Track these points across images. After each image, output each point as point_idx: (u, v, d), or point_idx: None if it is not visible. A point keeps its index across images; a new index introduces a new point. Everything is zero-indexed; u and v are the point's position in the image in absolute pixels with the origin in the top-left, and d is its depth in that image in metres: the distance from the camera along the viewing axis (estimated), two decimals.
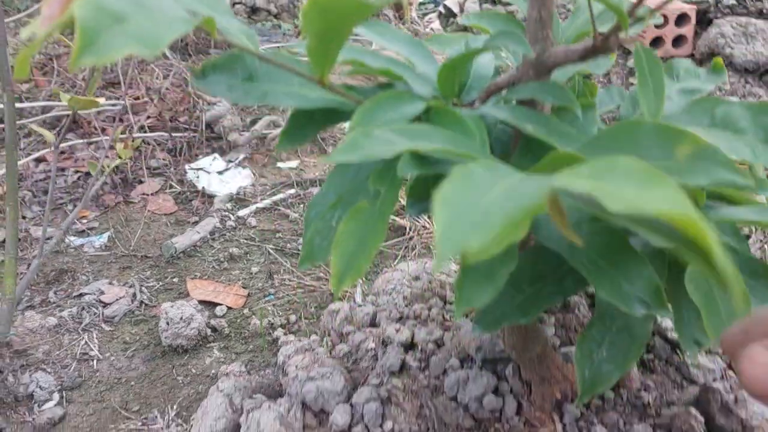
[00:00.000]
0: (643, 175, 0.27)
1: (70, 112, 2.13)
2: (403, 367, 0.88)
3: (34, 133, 2.20)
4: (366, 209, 0.51)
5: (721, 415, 0.73)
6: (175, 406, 1.20)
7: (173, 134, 2.06)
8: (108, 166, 1.80)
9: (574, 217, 0.51)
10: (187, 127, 2.11)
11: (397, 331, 0.93)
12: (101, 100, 1.32)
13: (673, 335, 0.87)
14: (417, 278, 1.15)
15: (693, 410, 0.74)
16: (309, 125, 0.54)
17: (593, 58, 0.48)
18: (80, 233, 1.74)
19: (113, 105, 2.08)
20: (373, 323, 1.02)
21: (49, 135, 1.38)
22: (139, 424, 1.17)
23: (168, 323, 1.31)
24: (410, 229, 1.69)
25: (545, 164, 0.37)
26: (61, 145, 2.09)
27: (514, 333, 0.74)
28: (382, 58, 0.55)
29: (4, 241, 1.69)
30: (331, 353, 0.97)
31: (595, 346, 0.53)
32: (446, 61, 0.51)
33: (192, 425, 1.02)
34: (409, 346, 0.92)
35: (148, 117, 2.14)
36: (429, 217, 1.74)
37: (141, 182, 1.96)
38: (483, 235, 0.26)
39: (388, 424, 0.81)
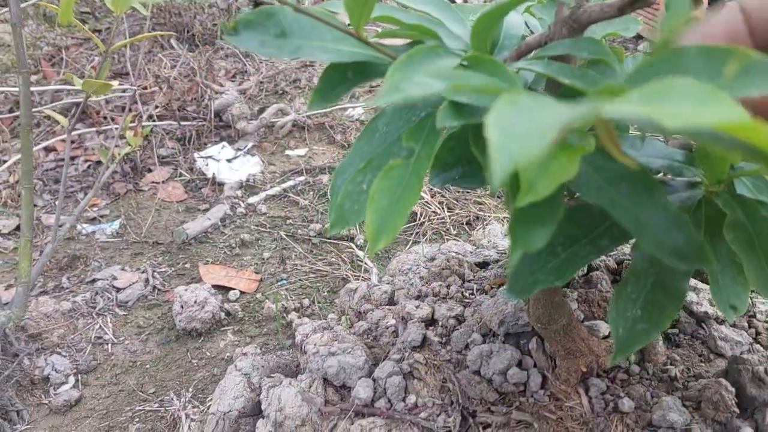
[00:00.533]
0: (697, 92, 0.27)
1: (80, 101, 2.12)
2: (425, 342, 0.87)
3: (44, 122, 2.20)
4: (399, 166, 0.51)
5: (753, 386, 0.72)
6: (190, 389, 1.19)
7: (182, 123, 2.05)
8: (119, 154, 1.79)
9: (610, 174, 0.50)
10: (196, 116, 2.11)
11: (417, 307, 0.92)
12: (114, 83, 1.32)
13: (698, 309, 0.86)
14: (432, 259, 1.14)
15: (723, 381, 0.73)
16: (341, 82, 0.53)
17: (632, 10, 0.47)
18: (91, 221, 1.74)
19: (123, 92, 2.08)
20: (391, 302, 1.01)
21: (62, 119, 1.37)
22: (156, 405, 1.16)
23: (182, 306, 1.31)
24: (421, 215, 1.68)
25: (591, 97, 0.36)
26: (72, 134, 2.08)
27: (539, 304, 0.73)
28: (415, 14, 0.54)
29: (18, 228, 1.69)
30: (350, 330, 0.96)
31: (630, 304, 0.52)
32: (481, 15, 0.50)
33: (210, 405, 1.02)
34: (430, 322, 0.91)
35: (157, 107, 2.14)
36: (439, 203, 1.73)
37: (150, 171, 1.95)
38: (539, 143, 0.25)
39: (411, 398, 0.80)
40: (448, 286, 0.98)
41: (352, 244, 1.60)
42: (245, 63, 2.47)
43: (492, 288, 0.94)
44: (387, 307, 0.99)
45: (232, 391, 0.99)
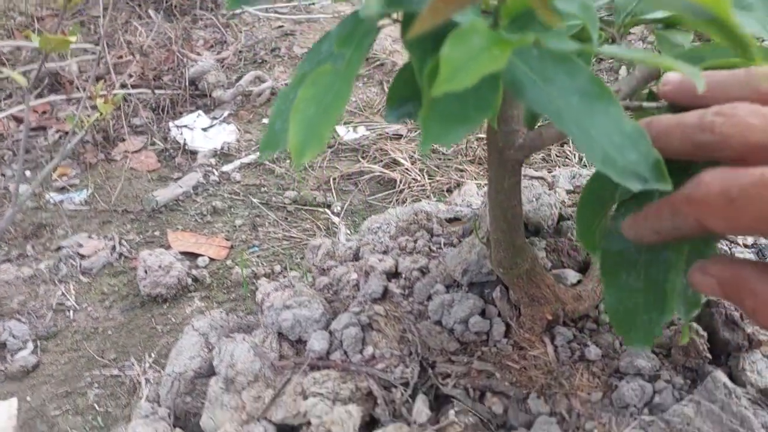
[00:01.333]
0: None
1: (53, 67, 2.06)
2: (386, 294, 0.83)
3: (16, 93, 2.14)
4: (328, 72, 0.46)
5: (726, 329, 0.68)
6: (153, 354, 1.15)
7: (156, 91, 2.00)
8: (88, 121, 1.73)
9: (561, 85, 0.46)
10: (171, 84, 2.05)
11: (380, 260, 0.88)
12: (73, 39, 1.26)
13: None
14: (398, 221, 1.10)
15: (694, 325, 0.68)
16: None
17: None
18: (60, 190, 1.68)
19: (92, 58, 2.02)
20: (356, 258, 0.97)
21: (21, 79, 1.31)
22: (116, 371, 1.12)
23: (146, 271, 1.26)
24: (400, 182, 1.64)
25: None
26: (43, 103, 2.03)
27: (500, 247, 0.69)
28: None
29: None
30: (311, 286, 0.91)
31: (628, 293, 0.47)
32: None
33: (167, 365, 0.97)
34: (393, 274, 0.87)
35: (131, 75, 2.08)
36: (420, 170, 1.68)
37: (123, 140, 1.90)
38: None
39: (369, 350, 0.76)
40: (415, 241, 0.93)
41: (328, 211, 1.56)
42: (224, 33, 2.41)
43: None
44: (351, 263, 0.94)
45: (188, 351, 0.94)
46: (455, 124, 0.37)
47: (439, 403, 0.73)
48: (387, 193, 1.63)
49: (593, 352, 0.71)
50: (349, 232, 1.42)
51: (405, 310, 0.80)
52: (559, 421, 0.66)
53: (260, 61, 2.26)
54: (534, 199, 0.89)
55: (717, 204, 0.36)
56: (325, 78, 0.46)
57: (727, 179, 0.36)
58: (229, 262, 1.41)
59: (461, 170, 1.69)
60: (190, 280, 1.31)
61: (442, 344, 0.75)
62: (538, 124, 0.67)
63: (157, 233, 1.51)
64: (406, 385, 0.73)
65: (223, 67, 2.18)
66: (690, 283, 0.42)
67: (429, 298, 0.81)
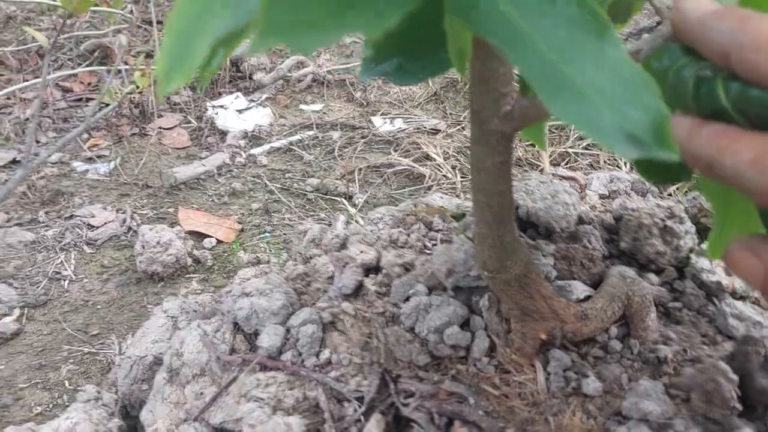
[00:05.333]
0: None
1: (102, 40, 2.07)
2: (359, 290, 0.72)
3: (67, 65, 2.16)
4: None
5: (765, 375, 0.52)
6: (135, 334, 1.08)
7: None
8: (121, 92, 1.71)
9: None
10: None
11: (361, 252, 0.76)
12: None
13: (710, 278, 0.66)
14: (398, 213, 0.98)
15: (722, 365, 0.53)
16: None
17: None
18: (88, 160, 1.66)
19: (124, 22, 2.01)
20: (344, 247, 0.86)
21: (42, 39, 1.29)
22: (93, 348, 1.06)
23: (143, 246, 1.20)
24: (429, 178, 1.51)
25: None
26: (88, 72, 2.03)
27: (486, 244, 0.56)
28: None
29: (14, 161, 1.63)
30: (284, 274, 0.81)
31: None
32: None
33: (128, 347, 0.89)
34: (373, 268, 0.75)
35: None
36: (453, 167, 1.55)
37: (160, 116, 1.87)
38: None
39: (325, 353, 0.65)
40: (408, 234, 0.81)
41: (346, 202, 1.45)
42: None
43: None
44: (336, 253, 0.83)
45: (152, 334, 0.86)
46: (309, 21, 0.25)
47: (399, 426, 0.61)
48: (414, 188, 1.51)
49: (592, 385, 0.57)
50: (344, 217, 1.31)
51: (376, 311, 0.68)
52: None
53: None
54: (549, 196, 0.75)
55: None
56: None
57: None
58: (235, 245, 1.33)
59: None
60: (190, 261, 1.24)
61: (411, 356, 0.63)
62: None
63: (171, 210, 1.45)
64: (360, 399, 0.61)
65: (266, 50, 2.12)
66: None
67: (407, 299, 0.69)
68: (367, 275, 0.73)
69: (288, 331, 0.68)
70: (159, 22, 2.17)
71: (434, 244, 0.80)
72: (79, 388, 0.99)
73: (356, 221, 1.34)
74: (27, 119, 1.86)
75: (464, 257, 0.66)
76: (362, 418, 0.60)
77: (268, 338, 0.66)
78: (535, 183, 0.76)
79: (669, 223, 0.69)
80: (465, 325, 0.64)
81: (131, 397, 0.83)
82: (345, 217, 1.31)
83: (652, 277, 0.69)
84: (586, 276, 0.68)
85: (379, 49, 0.54)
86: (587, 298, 0.64)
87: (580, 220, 0.75)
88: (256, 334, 0.71)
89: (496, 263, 0.58)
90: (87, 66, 2.09)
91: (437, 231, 0.82)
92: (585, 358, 0.62)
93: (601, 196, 0.92)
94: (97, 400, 0.77)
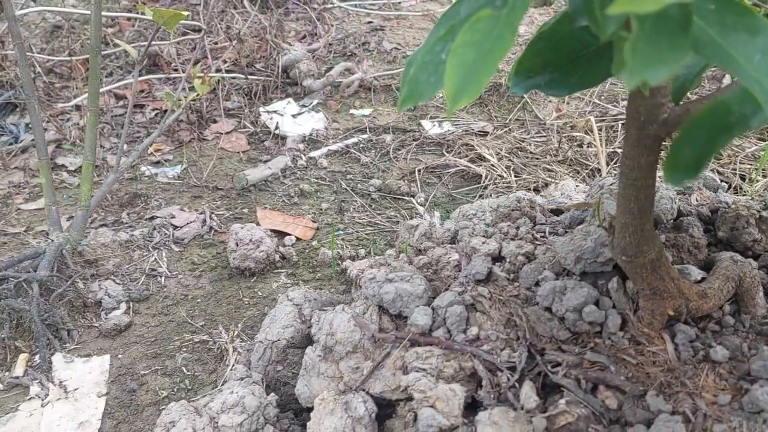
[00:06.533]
0: None
1: (153, 48, 2.14)
2: (490, 276, 0.81)
3: (116, 72, 2.23)
4: (488, 17, 0.44)
5: None
6: (239, 324, 1.16)
7: (249, 76, 2.04)
8: (185, 99, 1.79)
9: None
10: (263, 71, 2.09)
11: (483, 243, 0.85)
12: (185, 13, 1.30)
13: None
14: (498, 207, 1.07)
15: None
16: None
17: None
18: (155, 164, 1.74)
19: (193, 41, 2.09)
20: (454, 241, 0.95)
21: (131, 50, 1.37)
22: (204, 337, 1.14)
23: (237, 244, 1.28)
24: (486, 178, 1.60)
25: None
26: (141, 81, 2.11)
27: (627, 232, 0.65)
28: None
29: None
30: (410, 264, 0.90)
31: None
32: None
33: (258, 333, 0.98)
34: (497, 257, 0.84)
35: (225, 61, 2.13)
36: (507, 167, 1.65)
37: (215, 122, 1.95)
38: None
39: (473, 330, 0.74)
40: (517, 228, 0.90)
41: (413, 200, 1.54)
42: (317, 24, 2.44)
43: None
44: (449, 245, 0.92)
45: (282, 320, 0.94)
46: (658, 62, 0.34)
47: (546, 392, 0.70)
48: (471, 187, 1.60)
49: (720, 353, 0.66)
50: (438, 214, 1.40)
51: (510, 294, 0.77)
52: (684, 421, 0.61)
53: (350, 53, 2.28)
54: None
55: None
56: (485, 23, 0.44)
57: None
58: (314, 242, 1.41)
59: (550, 170, 1.64)
60: (277, 257, 1.32)
61: (552, 332, 0.72)
62: (683, 101, 0.63)
63: (245, 210, 1.53)
64: (512, 369, 0.70)
65: (313, 57, 2.21)
66: None
67: (537, 284, 0.78)
68: (493, 263, 0.82)
69: (434, 311, 0.76)
70: (209, 31, 2.25)
71: (542, 236, 0.89)
72: (197, 374, 1.07)
73: (425, 217, 1.42)
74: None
75: (592, 246, 0.75)
76: (516, 384, 0.69)
77: (421, 317, 0.75)
78: None
79: (764, 213, 0.78)
80: (595, 305, 0.73)
81: (267, 377, 0.91)
82: (438, 212, 1.40)
83: (752, 262, 0.78)
84: (694, 261, 0.78)
85: (531, 65, 0.63)
86: (702, 279, 0.73)
87: (680, 213, 0.84)
88: (400, 315, 0.80)
89: (635, 249, 0.67)
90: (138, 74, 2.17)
91: (542, 224, 0.91)
92: (704, 332, 0.71)
93: (678, 192, 1.01)
94: (248, 378, 0.85)
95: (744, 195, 1.37)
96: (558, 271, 0.78)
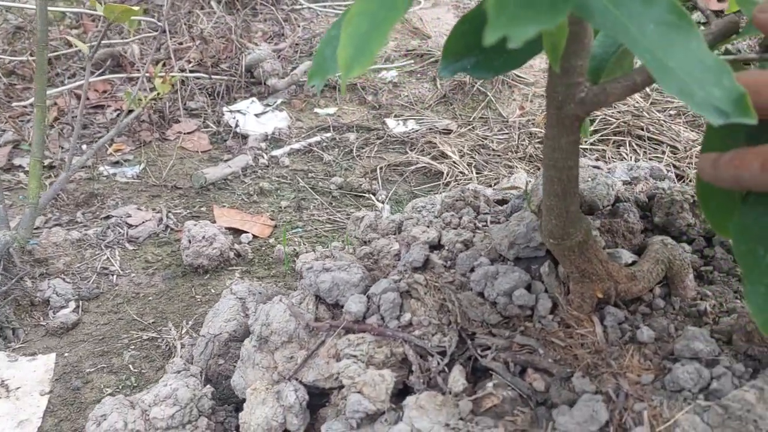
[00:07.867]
0: None
1: (116, 50, 2.12)
2: (427, 263, 0.80)
3: (79, 72, 2.21)
4: None
5: None
6: (190, 321, 1.15)
7: (213, 77, 2.03)
8: (145, 98, 1.77)
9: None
10: (228, 71, 2.08)
11: (423, 231, 0.85)
12: (136, 8, 1.29)
13: None
14: (444, 199, 1.07)
15: None
16: None
17: None
18: (114, 164, 1.72)
19: (153, 38, 2.07)
20: (399, 231, 0.94)
21: (83, 45, 1.36)
22: (153, 334, 1.12)
23: (190, 241, 1.27)
24: (447, 174, 1.61)
25: None
26: (102, 80, 2.09)
27: (552, 215, 0.65)
28: None
29: (47, 167, 1.68)
30: (352, 255, 0.89)
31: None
32: None
33: (202, 328, 0.97)
34: (436, 246, 0.84)
35: (189, 61, 2.12)
36: (468, 164, 1.65)
37: (178, 122, 1.94)
38: None
39: (406, 316, 0.73)
40: (460, 217, 0.90)
41: (373, 197, 1.54)
42: (283, 26, 2.44)
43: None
44: (393, 236, 0.92)
45: (225, 313, 0.93)
46: (525, 20, 0.34)
47: (476, 376, 0.70)
48: (433, 184, 1.60)
49: (646, 334, 0.67)
50: (389, 207, 1.40)
51: (446, 281, 0.77)
52: (605, 401, 0.61)
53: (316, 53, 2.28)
54: (590, 179, 0.85)
55: None
56: None
57: None
58: (271, 240, 1.40)
59: (510, 166, 1.64)
60: (232, 254, 1.31)
61: (483, 316, 0.72)
62: (602, 80, 0.64)
63: (203, 209, 1.52)
64: (443, 354, 0.70)
65: (279, 57, 2.20)
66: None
67: (472, 270, 0.77)
68: (431, 251, 0.82)
69: (369, 299, 0.76)
70: (175, 32, 2.24)
71: (484, 225, 0.89)
72: (143, 371, 1.06)
73: (383, 212, 1.42)
74: (51, 125, 1.91)
75: (525, 231, 0.75)
76: (446, 369, 0.69)
77: (354, 305, 0.74)
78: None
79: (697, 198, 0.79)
80: (527, 288, 0.73)
81: (208, 371, 0.90)
82: (389, 206, 1.40)
83: (685, 246, 0.79)
84: (628, 246, 0.78)
85: (456, 49, 0.63)
86: (633, 263, 0.74)
87: (617, 199, 0.85)
88: (337, 305, 0.79)
89: (561, 231, 0.67)
90: (100, 74, 2.15)
91: (485, 214, 0.91)
92: (634, 314, 0.71)
93: (624, 182, 1.02)
94: (186, 371, 0.84)
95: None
96: (494, 258, 0.78)
